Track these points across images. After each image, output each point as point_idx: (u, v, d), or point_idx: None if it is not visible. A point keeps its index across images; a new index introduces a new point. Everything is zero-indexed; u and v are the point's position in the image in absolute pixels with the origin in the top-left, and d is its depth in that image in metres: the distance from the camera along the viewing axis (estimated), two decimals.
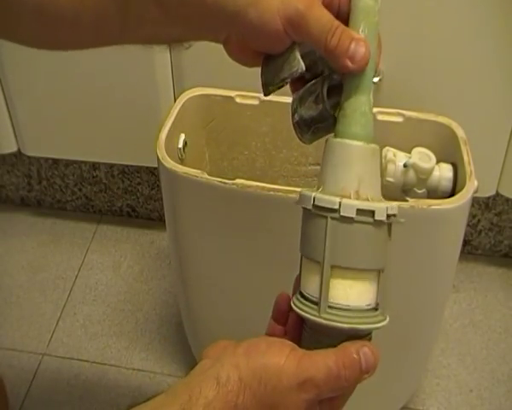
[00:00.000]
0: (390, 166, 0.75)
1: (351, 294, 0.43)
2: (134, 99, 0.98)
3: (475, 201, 1.08)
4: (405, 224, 0.70)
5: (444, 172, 0.75)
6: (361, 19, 0.44)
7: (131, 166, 1.17)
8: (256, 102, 0.82)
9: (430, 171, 0.74)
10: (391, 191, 0.76)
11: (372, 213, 0.42)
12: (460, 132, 0.76)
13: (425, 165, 0.74)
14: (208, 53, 0.93)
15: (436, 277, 0.76)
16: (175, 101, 0.82)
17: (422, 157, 0.75)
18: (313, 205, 0.43)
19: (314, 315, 0.43)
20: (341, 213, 0.42)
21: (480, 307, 1.09)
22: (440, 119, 0.78)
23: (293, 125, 0.50)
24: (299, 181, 0.87)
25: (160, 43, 0.53)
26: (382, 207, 0.42)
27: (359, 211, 0.42)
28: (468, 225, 0.96)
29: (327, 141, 0.45)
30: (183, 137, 0.81)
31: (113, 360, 1.03)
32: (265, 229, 0.73)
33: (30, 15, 0.50)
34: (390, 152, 0.77)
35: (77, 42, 0.53)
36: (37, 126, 1.06)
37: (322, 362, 0.42)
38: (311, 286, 0.44)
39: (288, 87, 0.50)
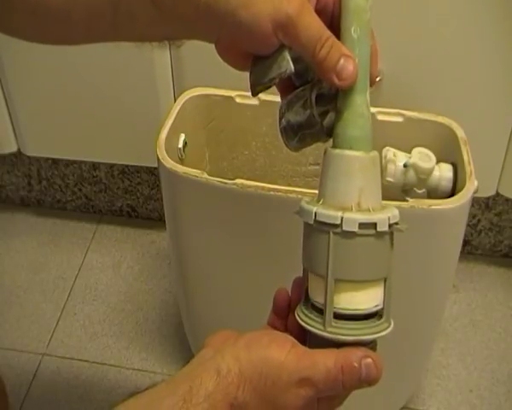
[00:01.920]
0: (390, 166, 0.75)
1: (355, 303, 0.43)
2: (134, 99, 0.98)
3: (475, 201, 1.08)
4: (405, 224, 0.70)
5: (444, 172, 0.75)
6: (352, 19, 0.43)
7: (131, 166, 1.17)
8: (256, 102, 0.82)
9: (430, 171, 0.74)
10: (391, 191, 0.76)
11: (374, 225, 0.42)
12: (460, 132, 0.76)
13: (425, 165, 0.74)
14: (208, 53, 0.93)
15: (436, 277, 0.76)
16: (175, 101, 0.82)
17: (422, 157, 0.75)
18: (315, 220, 0.42)
19: (319, 329, 0.43)
20: (344, 228, 0.41)
21: (479, 307, 1.09)
22: (440, 119, 0.78)
23: (280, 130, 0.49)
24: (299, 181, 0.87)
25: (152, 40, 0.53)
26: (384, 218, 0.42)
27: (361, 224, 0.41)
28: (468, 225, 0.96)
29: (325, 152, 0.44)
30: (183, 137, 0.81)
31: (113, 360, 1.03)
32: (265, 229, 0.73)
33: (21, 9, 0.50)
34: (390, 152, 0.77)
35: (68, 37, 0.53)
36: (37, 126, 1.06)
37: (321, 363, 0.42)
38: (318, 296, 0.44)
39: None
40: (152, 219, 1.25)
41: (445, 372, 1.01)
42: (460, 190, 0.70)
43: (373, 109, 0.80)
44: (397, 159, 0.76)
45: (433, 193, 0.75)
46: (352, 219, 0.41)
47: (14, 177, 1.25)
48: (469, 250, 1.16)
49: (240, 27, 0.45)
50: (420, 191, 0.76)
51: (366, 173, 0.43)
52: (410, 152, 0.76)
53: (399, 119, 0.79)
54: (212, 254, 0.79)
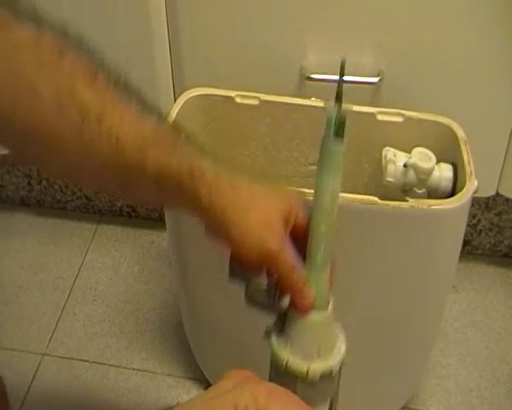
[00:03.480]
0: (390, 166, 0.75)
1: None
2: None
3: (475, 201, 1.08)
4: (405, 224, 0.70)
5: (444, 172, 0.75)
6: (317, 246, 0.51)
7: None
8: (256, 102, 0.82)
9: (430, 171, 0.74)
10: (391, 191, 0.76)
11: (330, 370, 0.51)
12: (460, 132, 0.76)
13: (425, 165, 0.74)
14: (208, 53, 0.93)
15: (436, 277, 0.76)
16: (175, 101, 0.82)
17: (422, 157, 0.75)
18: (285, 366, 0.51)
19: None
20: (308, 378, 0.51)
21: (479, 307, 1.09)
22: (440, 119, 0.78)
23: (245, 291, 0.56)
24: (299, 181, 0.87)
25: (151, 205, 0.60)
26: (338, 362, 0.52)
27: (321, 374, 0.51)
28: (468, 225, 0.96)
29: (288, 313, 0.52)
30: None
31: (113, 360, 1.03)
32: None
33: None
34: (390, 152, 0.77)
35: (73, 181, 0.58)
36: None
37: None
38: None
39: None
40: (152, 219, 1.25)
41: (445, 372, 1.01)
42: (460, 190, 0.70)
43: (373, 109, 0.80)
44: (397, 159, 0.76)
45: (433, 193, 0.75)
46: (315, 371, 0.50)
47: (14, 177, 1.25)
48: (469, 250, 1.16)
49: (230, 241, 0.52)
50: (420, 191, 0.76)
51: (323, 330, 0.52)
52: (410, 152, 0.76)
53: (399, 119, 0.79)
54: (212, 253, 0.79)
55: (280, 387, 0.45)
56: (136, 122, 0.50)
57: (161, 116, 0.54)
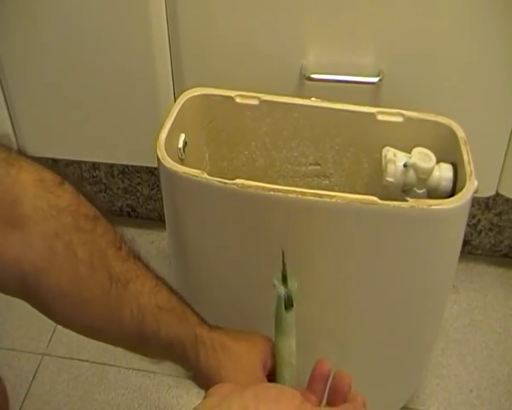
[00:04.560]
0: (390, 166, 0.75)
1: None
2: (134, 99, 0.98)
3: (475, 201, 1.08)
4: (405, 224, 0.70)
5: (444, 172, 0.75)
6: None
7: (131, 166, 1.17)
8: (256, 102, 0.82)
9: (430, 171, 0.74)
10: (391, 191, 0.76)
11: None
12: (460, 132, 0.76)
13: (425, 165, 0.74)
14: (208, 53, 0.93)
15: (436, 277, 0.76)
16: (175, 101, 0.82)
17: (422, 157, 0.75)
18: None
19: None
20: None
21: (479, 307, 1.09)
22: (440, 119, 0.78)
23: None
24: (299, 181, 0.87)
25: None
26: None
27: None
28: (468, 225, 0.96)
29: None
30: (183, 137, 0.81)
31: (112, 360, 1.03)
32: (265, 229, 0.73)
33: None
34: (390, 152, 0.77)
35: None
36: (37, 126, 1.06)
37: None
38: None
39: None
40: (152, 219, 1.25)
41: (445, 372, 1.01)
42: (460, 190, 0.70)
43: (373, 109, 0.80)
44: (397, 159, 0.76)
45: (433, 193, 0.75)
46: None
47: None
48: (469, 250, 1.16)
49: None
50: (420, 191, 0.76)
51: None
52: (410, 152, 0.76)
53: (399, 119, 0.79)
54: (212, 253, 0.79)
55: (264, 384, 0.46)
56: (154, 291, 0.59)
57: (171, 286, 0.63)
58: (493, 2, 0.80)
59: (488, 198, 1.08)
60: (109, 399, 0.99)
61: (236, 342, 0.62)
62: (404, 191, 0.76)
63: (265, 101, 0.82)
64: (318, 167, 0.85)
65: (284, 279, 0.60)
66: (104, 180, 1.21)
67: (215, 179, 0.71)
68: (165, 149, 0.74)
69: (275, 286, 0.59)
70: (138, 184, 1.20)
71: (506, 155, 0.92)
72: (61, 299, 0.53)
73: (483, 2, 0.80)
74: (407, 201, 0.70)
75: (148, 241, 1.21)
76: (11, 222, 0.49)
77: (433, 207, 0.68)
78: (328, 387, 0.55)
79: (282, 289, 0.59)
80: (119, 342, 0.59)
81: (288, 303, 0.59)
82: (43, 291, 0.53)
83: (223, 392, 0.46)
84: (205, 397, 0.47)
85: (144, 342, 0.58)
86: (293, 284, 0.60)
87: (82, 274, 0.52)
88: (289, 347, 0.62)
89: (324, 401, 0.54)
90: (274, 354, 0.63)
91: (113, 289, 0.54)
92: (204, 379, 0.60)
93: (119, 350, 1.09)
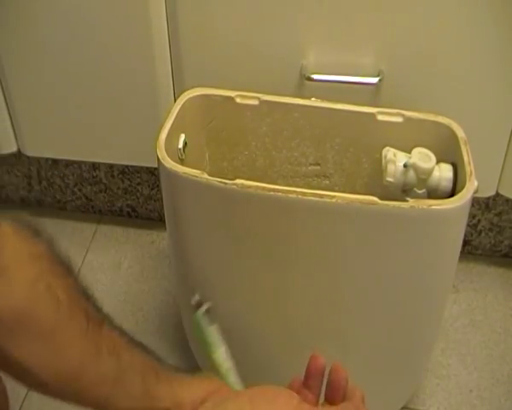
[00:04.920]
0: (390, 166, 0.75)
1: None
2: (134, 99, 0.98)
3: (475, 201, 1.08)
4: (405, 224, 0.70)
5: (444, 172, 0.75)
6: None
7: (131, 166, 1.17)
8: (256, 102, 0.82)
9: (430, 171, 0.74)
10: (391, 191, 0.76)
11: None
12: (460, 132, 0.76)
13: (425, 165, 0.74)
14: (208, 53, 0.93)
15: (436, 277, 0.76)
16: (175, 101, 0.82)
17: (422, 157, 0.75)
18: None
19: None
20: None
21: (479, 307, 1.09)
22: (440, 119, 0.78)
23: None
24: (299, 181, 0.87)
25: None
26: None
27: None
28: (468, 225, 0.96)
29: None
30: (183, 137, 0.81)
31: None
32: (265, 229, 0.73)
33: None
34: (390, 152, 0.77)
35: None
36: (37, 126, 1.06)
37: None
38: None
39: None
40: (152, 219, 1.25)
41: (445, 372, 1.01)
42: (460, 190, 0.70)
43: (373, 109, 0.80)
44: (397, 159, 0.76)
45: (433, 193, 0.75)
46: None
47: (14, 177, 1.25)
48: (469, 250, 1.16)
49: None
50: (420, 191, 0.76)
51: None
52: (410, 152, 0.76)
53: (399, 119, 0.79)
54: (212, 254, 0.79)
55: (260, 387, 0.46)
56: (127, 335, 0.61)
57: (154, 353, 0.63)
58: (493, 3, 0.80)
59: (488, 198, 1.08)
60: None
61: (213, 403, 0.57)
62: (404, 191, 0.76)
63: (265, 101, 0.82)
64: (318, 167, 0.85)
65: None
66: (104, 180, 1.21)
67: (215, 179, 0.71)
68: (166, 150, 0.74)
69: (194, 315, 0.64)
70: (138, 184, 1.20)
71: (506, 155, 0.92)
72: (40, 343, 0.52)
73: (483, 3, 0.80)
74: (407, 201, 0.70)
75: (148, 241, 1.21)
76: None
77: (433, 207, 0.68)
78: (324, 382, 0.54)
79: (199, 312, 0.65)
80: (94, 387, 0.58)
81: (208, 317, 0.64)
82: (19, 338, 0.51)
83: (216, 398, 0.46)
84: (200, 404, 0.47)
85: (120, 383, 0.58)
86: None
87: (63, 315, 0.54)
88: (221, 354, 0.63)
89: (322, 398, 0.54)
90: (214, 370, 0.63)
91: (90, 327, 0.57)
92: None
93: None
